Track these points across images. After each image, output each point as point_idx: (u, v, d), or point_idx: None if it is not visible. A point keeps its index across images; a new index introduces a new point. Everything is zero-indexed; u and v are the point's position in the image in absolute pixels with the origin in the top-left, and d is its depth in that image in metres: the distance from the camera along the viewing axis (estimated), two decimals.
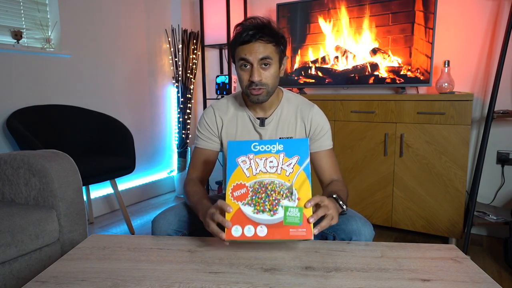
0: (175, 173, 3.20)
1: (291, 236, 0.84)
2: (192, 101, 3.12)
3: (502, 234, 2.17)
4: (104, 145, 2.31)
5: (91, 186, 2.51)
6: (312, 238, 0.84)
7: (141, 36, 2.91)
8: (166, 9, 3.10)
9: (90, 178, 1.97)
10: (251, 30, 1.02)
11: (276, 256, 0.88)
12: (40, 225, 1.28)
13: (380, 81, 2.28)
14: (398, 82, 2.22)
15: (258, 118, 1.18)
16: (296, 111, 1.19)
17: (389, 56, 2.23)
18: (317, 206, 0.89)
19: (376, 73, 2.29)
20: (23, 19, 2.21)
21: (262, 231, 0.85)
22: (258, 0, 2.85)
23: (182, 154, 3.13)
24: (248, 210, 0.87)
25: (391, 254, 0.90)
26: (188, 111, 3.08)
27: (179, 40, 3.04)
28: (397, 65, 2.21)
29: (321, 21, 2.41)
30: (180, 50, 3.03)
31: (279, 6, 2.54)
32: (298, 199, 0.86)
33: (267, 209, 0.86)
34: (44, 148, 1.74)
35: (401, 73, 2.20)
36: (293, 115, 1.18)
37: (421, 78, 2.14)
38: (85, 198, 2.40)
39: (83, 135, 2.33)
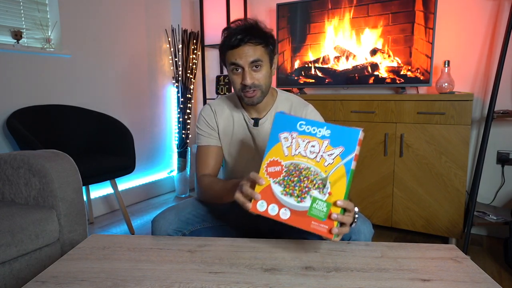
0: (175, 173, 3.20)
1: (311, 229, 0.81)
2: (192, 101, 3.12)
3: (502, 234, 2.16)
4: (104, 145, 2.31)
5: (91, 186, 2.50)
6: (332, 238, 0.80)
7: (141, 36, 2.91)
8: (166, 9, 3.10)
9: (90, 178, 1.97)
10: (239, 34, 1.02)
11: (276, 256, 0.88)
12: (40, 225, 1.28)
13: (380, 81, 2.28)
14: (398, 82, 2.22)
15: (253, 119, 1.18)
16: (290, 110, 1.19)
17: (389, 56, 2.23)
18: (344, 211, 0.84)
19: (376, 73, 2.29)
20: (23, 19, 2.21)
21: (285, 214, 0.83)
22: (258, 0, 2.85)
23: (182, 154, 3.13)
24: (277, 189, 0.84)
25: (391, 254, 0.90)
26: (188, 111, 3.08)
27: (179, 40, 3.04)
28: (397, 65, 2.21)
29: (321, 21, 2.41)
30: (180, 50, 3.03)
31: (279, 6, 2.54)
32: (330, 193, 0.81)
33: (295, 194, 0.83)
34: (44, 148, 1.74)
35: (401, 73, 2.20)
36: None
37: (421, 78, 2.14)
38: (85, 198, 2.40)
39: (83, 135, 2.33)
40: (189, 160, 3.19)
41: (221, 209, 1.21)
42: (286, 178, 0.84)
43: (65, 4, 2.35)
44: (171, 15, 3.12)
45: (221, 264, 0.85)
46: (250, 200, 0.86)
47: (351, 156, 0.80)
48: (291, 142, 0.85)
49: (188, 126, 3.11)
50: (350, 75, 2.37)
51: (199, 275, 0.80)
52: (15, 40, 2.13)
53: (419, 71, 2.14)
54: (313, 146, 0.83)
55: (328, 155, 0.82)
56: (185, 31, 3.04)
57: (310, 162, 0.83)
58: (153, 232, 1.08)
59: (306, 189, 0.82)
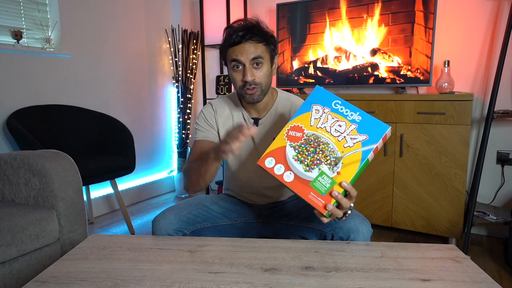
0: (175, 173, 3.20)
1: (308, 199, 0.83)
2: (192, 101, 3.12)
3: (502, 234, 2.17)
4: (104, 145, 2.31)
5: (91, 186, 2.51)
6: (324, 213, 0.81)
7: (141, 36, 2.91)
8: (166, 9, 3.10)
9: (90, 178, 1.97)
10: (241, 31, 1.04)
11: (276, 256, 0.88)
12: (40, 225, 1.28)
13: (380, 81, 2.28)
14: (398, 82, 2.22)
15: (253, 118, 1.18)
16: (290, 110, 1.19)
17: (389, 56, 2.23)
18: (346, 195, 0.85)
19: (376, 73, 2.29)
20: (23, 19, 2.21)
21: (288, 177, 0.85)
22: (258, 0, 2.86)
23: (182, 154, 3.13)
24: (290, 153, 0.87)
25: (391, 254, 0.90)
26: (188, 111, 3.08)
27: (179, 40, 3.04)
28: (397, 65, 2.21)
29: (321, 21, 2.41)
30: (180, 50, 3.03)
31: (279, 6, 2.54)
32: (338, 173, 0.82)
33: (306, 163, 0.85)
34: (44, 148, 1.74)
35: (401, 73, 2.20)
36: (287, 114, 1.19)
37: (421, 78, 2.14)
38: (85, 198, 2.40)
39: (83, 135, 2.33)
40: None
41: (221, 209, 1.21)
42: (303, 145, 0.87)
43: (65, 4, 2.35)
44: (171, 15, 3.12)
45: (221, 264, 0.85)
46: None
47: (371, 146, 0.82)
48: (321, 115, 0.88)
49: (188, 126, 3.11)
50: (350, 75, 2.37)
51: (199, 275, 0.80)
52: (15, 40, 2.13)
53: (419, 71, 2.14)
54: (340, 125, 0.86)
55: (351, 138, 0.84)
56: (185, 31, 3.04)
57: (331, 139, 0.85)
58: (154, 232, 1.08)
59: (318, 161, 0.84)
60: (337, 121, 0.86)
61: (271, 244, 0.96)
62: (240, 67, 1.07)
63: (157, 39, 3.05)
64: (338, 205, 0.84)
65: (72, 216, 1.41)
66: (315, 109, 0.89)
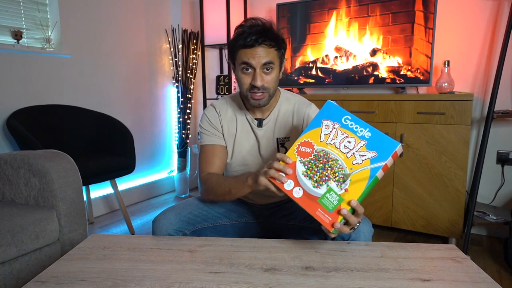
0: (175, 173, 3.20)
1: (315, 215, 0.84)
2: (192, 101, 3.12)
3: (502, 234, 2.17)
4: (104, 145, 2.31)
5: (91, 186, 2.50)
6: (331, 230, 0.81)
7: (141, 36, 2.91)
8: (166, 9, 3.10)
9: (90, 178, 1.97)
10: (254, 35, 1.02)
11: (276, 256, 0.88)
12: (40, 225, 1.28)
13: (380, 81, 2.28)
14: (398, 82, 2.22)
15: (256, 119, 1.18)
16: (293, 110, 1.19)
17: (389, 56, 2.23)
18: (354, 213, 0.85)
19: (376, 73, 2.29)
20: (23, 19, 2.21)
21: (297, 193, 0.86)
22: (258, 0, 2.86)
23: (182, 154, 3.13)
24: (300, 168, 0.87)
25: (391, 254, 0.90)
26: (188, 111, 3.08)
27: (179, 40, 3.04)
28: (397, 65, 2.21)
29: (321, 21, 2.41)
30: (180, 50, 3.03)
31: (279, 6, 2.54)
32: (346, 190, 0.83)
33: (315, 179, 0.85)
34: (44, 148, 1.74)
35: (401, 73, 2.20)
36: (290, 114, 1.19)
37: (421, 78, 2.14)
38: (85, 198, 2.40)
39: (83, 135, 2.33)
40: (189, 160, 3.19)
41: (221, 209, 1.21)
42: (312, 161, 0.87)
43: (65, 4, 2.35)
44: (171, 15, 3.12)
45: (221, 264, 0.85)
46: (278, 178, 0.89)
47: (380, 164, 0.82)
48: (330, 131, 0.88)
49: (188, 126, 3.11)
50: (350, 75, 2.37)
51: (199, 275, 0.80)
52: (15, 40, 2.13)
53: (419, 71, 2.14)
54: (349, 142, 0.86)
55: (360, 155, 0.84)
56: (185, 31, 3.04)
57: (340, 155, 0.86)
58: (154, 232, 1.08)
59: (326, 178, 0.85)
60: (347, 137, 0.86)
61: (271, 244, 0.96)
62: (250, 70, 1.05)
63: (157, 39, 3.05)
64: (346, 222, 0.84)
65: (72, 216, 1.41)
66: (325, 125, 0.89)
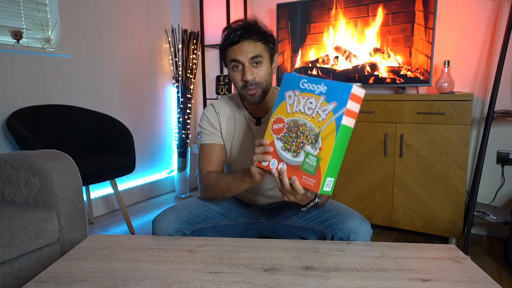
0: (175, 173, 3.20)
1: (302, 183, 0.84)
2: (192, 101, 3.12)
3: (502, 234, 2.17)
4: (104, 145, 2.31)
5: (91, 186, 2.51)
6: (318, 192, 0.81)
7: (141, 36, 2.91)
8: (166, 9, 3.10)
9: (90, 178, 1.97)
10: (239, 31, 1.03)
11: (276, 256, 0.88)
12: (40, 225, 1.28)
13: (380, 81, 2.28)
14: (398, 82, 2.22)
15: (255, 118, 1.18)
16: None
17: (389, 56, 2.23)
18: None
19: (376, 73, 2.29)
20: (23, 19, 2.21)
21: (282, 168, 0.87)
22: (258, 0, 2.86)
23: (182, 154, 3.13)
24: (278, 145, 0.89)
25: (391, 254, 0.90)
26: (188, 111, 3.08)
27: (179, 40, 3.04)
28: (397, 65, 2.21)
29: (321, 21, 2.41)
30: (180, 50, 3.03)
31: (279, 6, 2.54)
32: (320, 148, 0.82)
33: (292, 150, 0.87)
34: (44, 148, 1.74)
35: (401, 73, 2.20)
36: None
37: (421, 78, 2.14)
38: (85, 198, 2.40)
39: (83, 135, 2.33)
40: (189, 160, 3.19)
41: (221, 209, 1.21)
42: (286, 134, 0.88)
43: (65, 4, 2.35)
44: (171, 15, 3.12)
45: (221, 264, 0.85)
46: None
47: (342, 111, 0.80)
48: (293, 100, 0.89)
49: (188, 126, 3.11)
50: (350, 75, 2.37)
51: (199, 275, 0.80)
52: (15, 40, 2.13)
53: (419, 71, 2.14)
54: (311, 102, 0.86)
55: (323, 110, 0.84)
56: (185, 31, 3.04)
57: (307, 118, 0.86)
58: (154, 232, 1.08)
59: (301, 144, 0.85)
60: (308, 99, 0.86)
61: (271, 244, 0.96)
62: (240, 67, 1.06)
63: (157, 39, 3.05)
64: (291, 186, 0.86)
65: (72, 216, 1.41)
66: (288, 96, 0.90)
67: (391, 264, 0.84)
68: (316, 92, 0.85)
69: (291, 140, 0.87)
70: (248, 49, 1.04)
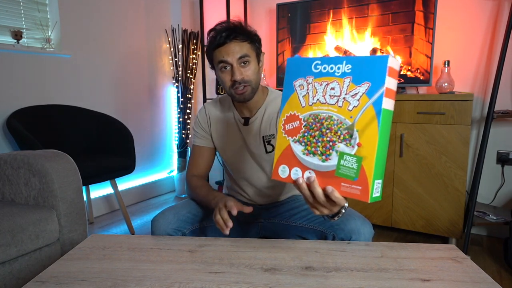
0: (175, 173, 3.20)
1: (342, 192, 0.68)
2: (192, 101, 3.12)
3: (502, 234, 2.17)
4: (104, 145, 2.31)
5: (91, 186, 2.50)
6: (368, 200, 0.64)
7: (141, 36, 2.91)
8: (166, 9, 3.10)
9: (90, 178, 1.97)
10: (224, 32, 1.04)
11: (276, 256, 0.88)
12: (40, 225, 1.28)
13: None
14: (398, 82, 2.22)
15: (243, 118, 1.18)
16: (279, 108, 1.19)
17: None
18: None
19: None
20: (23, 19, 2.21)
21: (310, 178, 0.70)
22: (258, 0, 2.85)
23: (182, 154, 3.13)
24: (297, 149, 0.71)
25: (391, 254, 0.90)
26: (188, 111, 3.08)
27: (179, 40, 3.04)
28: None
29: (321, 21, 2.41)
30: (180, 50, 3.03)
31: (279, 6, 2.54)
32: (359, 145, 0.65)
33: (319, 152, 0.69)
34: (44, 148, 1.74)
35: (401, 73, 2.20)
36: (276, 112, 1.19)
37: (421, 78, 2.14)
38: (85, 198, 2.40)
39: (83, 135, 2.33)
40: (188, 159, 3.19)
41: None
42: (306, 134, 0.71)
43: (65, 4, 2.35)
44: (171, 15, 3.12)
45: (221, 264, 0.85)
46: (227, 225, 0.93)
47: (380, 92, 0.63)
48: (308, 89, 0.71)
49: (188, 126, 3.11)
50: None
51: (199, 275, 0.80)
52: (15, 40, 2.13)
53: (419, 71, 2.14)
54: (332, 88, 0.68)
55: (352, 96, 0.66)
56: (185, 31, 3.04)
57: (331, 109, 0.68)
58: (153, 231, 1.08)
59: (330, 143, 0.68)
60: (327, 84, 0.69)
61: (271, 244, 0.96)
62: (228, 67, 1.07)
63: (157, 39, 3.05)
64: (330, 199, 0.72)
65: (72, 216, 1.41)
66: (299, 86, 0.72)
67: (391, 264, 0.84)
68: (337, 74, 0.68)
69: (314, 141, 0.70)
70: (235, 50, 1.05)
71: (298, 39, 2.51)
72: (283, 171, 0.74)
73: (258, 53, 1.12)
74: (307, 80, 0.71)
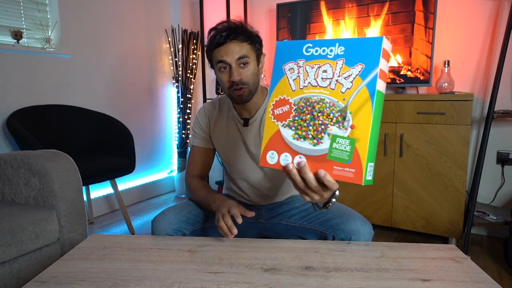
0: (175, 173, 3.20)
1: (335, 176, 0.66)
2: (192, 101, 3.12)
3: (502, 234, 2.17)
4: (104, 145, 2.31)
5: (91, 186, 2.50)
6: (362, 183, 0.63)
7: (141, 36, 2.91)
8: (166, 9, 3.10)
9: (90, 178, 1.97)
10: (224, 32, 1.04)
11: (276, 256, 0.88)
12: (40, 225, 1.28)
13: None
14: (398, 82, 2.22)
15: (243, 119, 1.18)
16: None
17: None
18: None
19: None
20: (23, 19, 2.21)
21: (301, 163, 0.68)
22: (258, 0, 2.85)
23: (182, 154, 3.13)
24: (287, 134, 0.69)
25: (391, 254, 0.90)
26: (188, 111, 3.08)
27: (179, 40, 3.04)
28: (397, 65, 2.21)
29: (321, 21, 2.41)
30: (180, 50, 3.03)
31: (279, 6, 2.54)
32: (352, 127, 0.64)
33: (310, 136, 0.67)
34: (44, 148, 1.74)
35: (401, 73, 2.20)
36: None
37: (421, 78, 2.14)
38: (85, 198, 2.40)
39: (83, 135, 2.33)
40: None
41: None
42: (297, 118, 0.69)
43: (65, 4, 2.35)
44: (171, 15, 3.12)
45: (221, 264, 0.85)
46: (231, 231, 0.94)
47: (374, 73, 0.62)
48: (298, 73, 0.69)
49: (188, 126, 3.11)
50: None
51: (199, 275, 0.80)
52: (15, 40, 2.13)
53: (419, 71, 2.14)
54: (324, 71, 0.67)
55: (345, 78, 0.65)
56: (185, 31, 3.04)
57: (323, 92, 0.67)
58: (153, 232, 1.08)
59: (322, 127, 0.66)
60: (319, 67, 0.67)
61: (271, 244, 0.96)
62: (227, 68, 1.06)
63: (157, 39, 3.05)
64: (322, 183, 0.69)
65: (72, 216, 1.41)
66: (289, 69, 0.70)
67: (391, 264, 0.84)
68: (329, 56, 0.67)
69: (305, 125, 0.68)
70: (235, 50, 1.04)
71: (298, 39, 2.50)
72: (271, 157, 0.72)
73: (258, 54, 1.11)
74: (298, 64, 0.70)
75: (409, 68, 2.17)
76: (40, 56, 2.25)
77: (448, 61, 2.07)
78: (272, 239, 0.99)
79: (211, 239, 1.00)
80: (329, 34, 2.39)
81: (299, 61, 0.69)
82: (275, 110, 0.71)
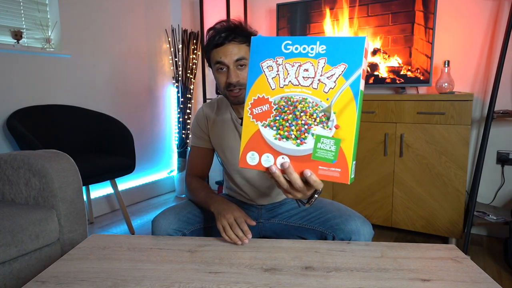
0: (175, 173, 3.20)
1: (320, 176, 0.66)
2: (192, 101, 3.12)
3: (502, 234, 2.17)
4: (104, 145, 2.31)
5: (91, 186, 2.50)
6: (348, 182, 0.64)
7: (141, 36, 2.91)
8: (166, 9, 3.10)
9: (90, 178, 1.97)
10: (223, 33, 1.03)
11: (276, 256, 0.88)
12: (40, 225, 1.28)
13: (380, 81, 2.28)
14: (398, 82, 2.22)
15: (240, 118, 1.18)
16: None
17: (389, 56, 2.23)
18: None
19: (376, 73, 2.29)
20: (23, 19, 2.21)
21: (284, 164, 0.68)
22: (258, 0, 2.86)
23: (182, 154, 3.13)
24: (268, 134, 0.68)
25: (391, 254, 0.90)
26: (188, 111, 3.08)
27: (179, 40, 3.04)
28: (397, 65, 2.21)
29: (321, 21, 2.41)
30: (180, 50, 3.03)
31: (279, 6, 2.54)
32: (336, 127, 0.64)
33: (293, 136, 0.67)
34: (44, 148, 1.74)
35: (401, 73, 2.20)
36: None
37: (421, 78, 2.14)
38: (85, 198, 2.40)
39: (83, 135, 2.33)
40: None
41: None
42: (278, 118, 0.68)
43: (65, 4, 2.35)
44: (171, 15, 3.12)
45: (221, 264, 0.85)
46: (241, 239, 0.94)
47: (357, 74, 0.63)
48: (278, 71, 0.68)
49: (188, 126, 3.11)
50: None
51: (199, 275, 0.80)
52: (15, 40, 2.13)
53: (419, 71, 2.14)
54: (306, 69, 0.66)
55: (328, 77, 0.65)
56: (185, 31, 3.04)
57: (305, 91, 0.66)
58: (153, 232, 1.08)
59: (306, 127, 0.66)
60: (300, 66, 0.66)
61: (271, 244, 0.96)
62: (224, 69, 1.06)
63: (157, 39, 3.05)
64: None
65: (72, 216, 1.41)
66: (267, 67, 0.68)
67: (391, 264, 0.84)
68: (310, 55, 0.66)
69: (287, 125, 0.67)
70: (233, 52, 1.04)
71: None
72: (252, 158, 0.70)
73: None
74: (277, 61, 0.68)
75: (409, 68, 2.17)
76: (40, 56, 2.25)
77: (448, 61, 2.07)
78: (272, 239, 0.99)
79: (211, 239, 1.00)
80: (329, 34, 2.39)
81: (278, 59, 0.68)
82: (253, 109, 0.70)
